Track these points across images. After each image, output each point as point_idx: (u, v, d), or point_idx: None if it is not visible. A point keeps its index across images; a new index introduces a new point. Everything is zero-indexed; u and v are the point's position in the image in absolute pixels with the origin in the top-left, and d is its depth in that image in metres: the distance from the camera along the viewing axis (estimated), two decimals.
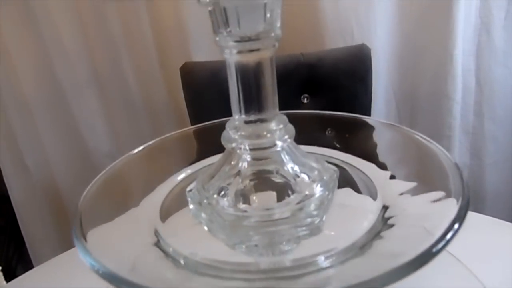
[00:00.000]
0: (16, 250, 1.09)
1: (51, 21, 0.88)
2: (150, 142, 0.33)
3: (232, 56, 0.22)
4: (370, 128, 0.32)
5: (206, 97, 0.81)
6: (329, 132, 0.33)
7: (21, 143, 0.96)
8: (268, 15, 0.21)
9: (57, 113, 0.96)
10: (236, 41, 0.21)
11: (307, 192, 0.23)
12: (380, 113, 0.92)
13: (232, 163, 0.24)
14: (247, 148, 0.23)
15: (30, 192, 0.98)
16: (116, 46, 0.91)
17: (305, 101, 0.83)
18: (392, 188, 0.26)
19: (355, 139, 0.33)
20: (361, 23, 0.85)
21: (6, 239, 1.09)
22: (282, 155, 0.24)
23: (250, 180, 0.24)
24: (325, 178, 0.24)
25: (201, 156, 0.32)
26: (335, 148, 0.32)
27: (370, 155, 0.30)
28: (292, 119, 0.36)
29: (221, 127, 0.25)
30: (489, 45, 0.85)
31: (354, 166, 0.28)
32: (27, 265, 1.06)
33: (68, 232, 0.92)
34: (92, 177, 0.90)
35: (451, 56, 0.84)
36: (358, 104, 0.81)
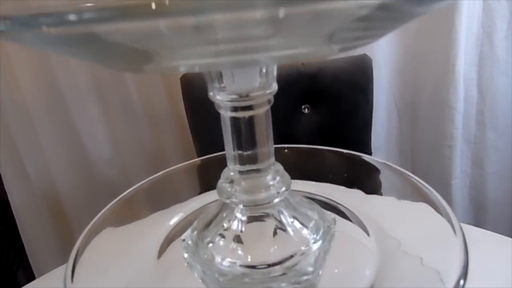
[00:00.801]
0: (17, 255, 1.10)
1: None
2: (153, 176, 0.33)
3: (226, 112, 0.21)
4: (369, 168, 0.32)
5: (206, 107, 0.81)
6: (329, 168, 0.33)
7: (22, 150, 0.96)
8: (264, 70, 0.21)
9: (57, 120, 0.96)
10: (230, 100, 0.21)
11: (303, 247, 0.23)
12: (382, 123, 0.91)
13: (228, 215, 0.24)
14: (243, 205, 0.23)
15: (31, 199, 0.98)
16: None
17: (306, 111, 0.82)
18: (389, 239, 0.26)
19: (353, 178, 0.32)
20: None
21: (7, 244, 1.10)
22: (279, 209, 0.24)
23: (246, 233, 0.23)
24: (322, 229, 0.24)
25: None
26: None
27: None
28: (290, 153, 0.36)
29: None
30: (491, 55, 0.85)
31: (351, 211, 0.28)
32: (28, 270, 1.07)
33: (68, 238, 0.92)
34: (92, 184, 0.89)
35: (453, 66, 0.83)
36: (360, 115, 0.81)
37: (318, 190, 0.31)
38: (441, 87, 0.86)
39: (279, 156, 0.25)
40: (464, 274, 0.20)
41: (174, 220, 0.29)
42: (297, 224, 0.24)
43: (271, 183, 0.23)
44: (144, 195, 0.32)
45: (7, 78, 0.88)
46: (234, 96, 0.21)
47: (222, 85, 0.21)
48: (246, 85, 0.21)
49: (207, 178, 0.29)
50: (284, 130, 0.84)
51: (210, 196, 0.30)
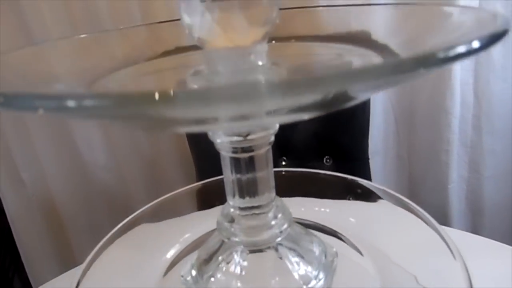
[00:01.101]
0: (13, 261, 1.09)
1: (47, 34, 0.86)
2: (154, 202, 0.32)
3: (227, 153, 0.21)
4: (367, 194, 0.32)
5: None
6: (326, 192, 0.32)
7: (17, 156, 0.95)
8: None
9: (53, 125, 0.95)
10: (230, 142, 0.20)
11: (305, 286, 0.22)
12: (379, 127, 0.91)
13: (228, 251, 0.23)
14: (244, 245, 0.22)
15: (26, 206, 0.97)
16: None
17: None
18: (389, 264, 0.25)
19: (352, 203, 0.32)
20: None
21: (2, 250, 1.09)
22: (280, 247, 0.23)
23: (246, 272, 0.23)
24: (324, 263, 0.24)
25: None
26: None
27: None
28: (289, 177, 0.36)
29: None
30: (487, 59, 0.84)
31: (347, 237, 0.28)
32: (23, 276, 1.06)
33: (63, 244, 0.91)
34: (88, 190, 0.89)
35: (450, 71, 0.83)
36: (356, 123, 0.80)
37: (314, 216, 0.30)
38: (437, 92, 0.86)
39: (276, 179, 0.24)
40: None
41: (171, 253, 0.28)
42: (299, 260, 0.23)
43: (273, 222, 0.22)
44: (144, 222, 0.31)
45: None
46: (234, 139, 0.20)
47: None
48: (246, 127, 0.20)
49: (208, 202, 0.28)
50: (281, 136, 0.83)
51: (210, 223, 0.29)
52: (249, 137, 0.20)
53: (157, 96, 0.09)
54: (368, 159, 0.83)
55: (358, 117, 0.81)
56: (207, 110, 0.10)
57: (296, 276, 0.23)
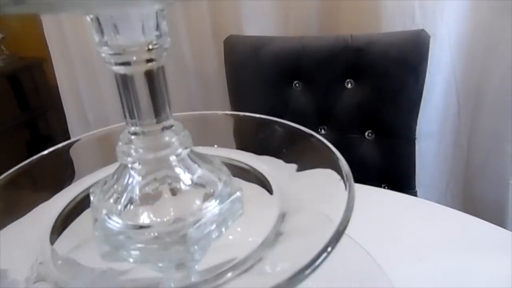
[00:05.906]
0: None
1: None
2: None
3: (112, 67, 0.20)
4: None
5: (245, 72, 0.80)
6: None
7: (85, 99, 1.05)
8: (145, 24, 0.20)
9: None
10: (113, 53, 0.20)
11: (191, 214, 0.22)
12: (437, 108, 0.83)
13: (125, 178, 0.23)
14: (140, 164, 0.22)
15: None
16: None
17: (349, 86, 0.78)
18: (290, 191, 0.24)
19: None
20: (425, 6, 0.76)
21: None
22: (178, 169, 0.23)
23: (143, 196, 0.22)
24: (224, 192, 0.23)
25: None
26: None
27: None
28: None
29: None
30: None
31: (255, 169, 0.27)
32: None
33: None
34: None
35: None
36: (406, 97, 0.75)
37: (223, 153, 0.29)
38: (510, 75, 0.76)
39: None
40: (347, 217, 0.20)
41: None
42: (197, 187, 0.23)
43: (167, 140, 0.22)
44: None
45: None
46: (116, 50, 0.20)
47: (104, 39, 0.20)
48: (128, 40, 0.20)
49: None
50: (323, 104, 0.80)
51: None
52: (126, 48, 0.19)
53: None
54: (414, 139, 0.76)
55: (409, 90, 0.75)
56: None
57: (185, 204, 0.22)
